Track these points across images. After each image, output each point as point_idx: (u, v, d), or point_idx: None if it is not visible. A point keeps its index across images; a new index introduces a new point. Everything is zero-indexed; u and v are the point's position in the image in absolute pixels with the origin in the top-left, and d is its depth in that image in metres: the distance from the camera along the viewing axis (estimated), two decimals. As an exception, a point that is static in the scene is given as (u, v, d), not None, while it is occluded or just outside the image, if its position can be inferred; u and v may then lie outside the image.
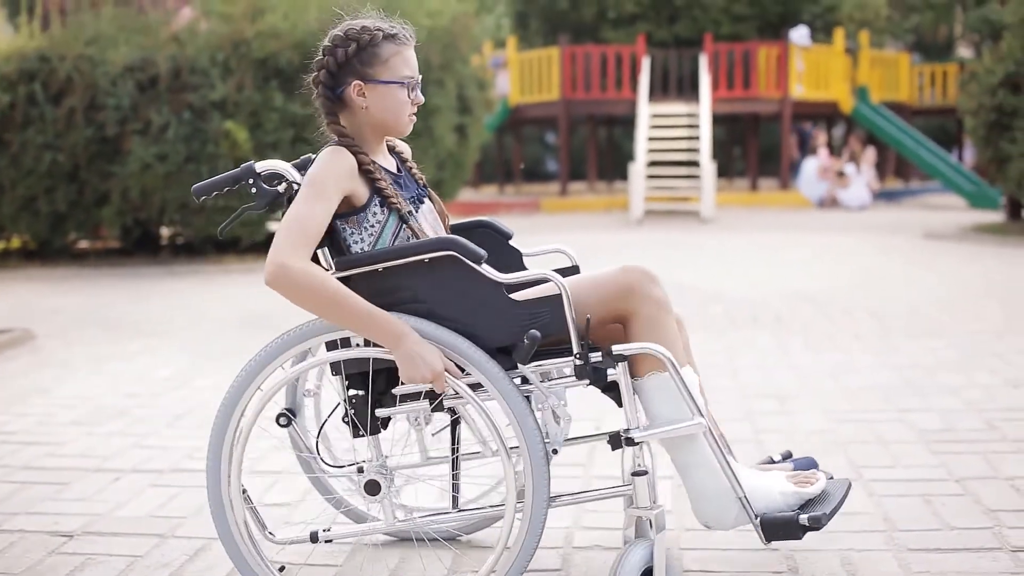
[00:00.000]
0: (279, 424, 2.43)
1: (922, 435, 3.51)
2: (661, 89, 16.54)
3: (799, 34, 17.12)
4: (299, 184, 2.30)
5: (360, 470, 2.31)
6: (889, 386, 4.22)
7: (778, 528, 2.26)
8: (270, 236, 9.76)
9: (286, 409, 2.45)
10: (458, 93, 10.22)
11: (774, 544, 2.39)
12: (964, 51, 25.46)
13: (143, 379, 4.70)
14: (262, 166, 2.35)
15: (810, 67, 16.71)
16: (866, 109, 17.16)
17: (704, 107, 15.18)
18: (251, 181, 2.32)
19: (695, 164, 14.73)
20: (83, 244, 10.12)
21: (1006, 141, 10.12)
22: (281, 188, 2.34)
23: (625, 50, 16.55)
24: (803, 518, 2.24)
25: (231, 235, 9.22)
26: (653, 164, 15.12)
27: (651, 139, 15.25)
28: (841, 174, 15.84)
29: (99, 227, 9.56)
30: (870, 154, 16.76)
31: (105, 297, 7.45)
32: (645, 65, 15.81)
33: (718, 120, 18.67)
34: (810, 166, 16.10)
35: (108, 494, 3.13)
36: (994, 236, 10.11)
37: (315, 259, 2.21)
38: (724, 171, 20.41)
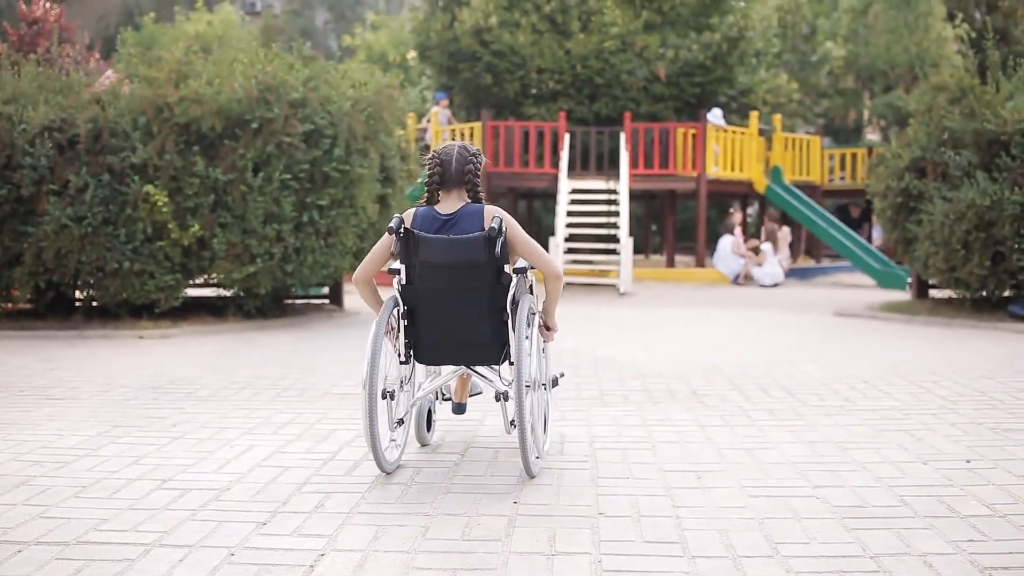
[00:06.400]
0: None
1: (836, 511, 3.56)
2: (581, 165, 16.81)
3: (713, 115, 17.62)
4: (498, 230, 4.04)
5: None
6: (803, 461, 4.28)
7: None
8: (186, 301, 9.62)
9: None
10: (381, 164, 10.25)
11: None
12: (872, 135, 26.41)
13: (49, 447, 4.55)
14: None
15: (726, 148, 17.14)
16: (779, 189, 17.62)
17: (623, 184, 15.46)
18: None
19: (613, 239, 14.96)
20: (-9, 305, 9.83)
21: (913, 223, 10.46)
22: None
23: (546, 126, 16.82)
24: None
25: (147, 300, 9.06)
26: (572, 238, 15.33)
27: (570, 213, 15.47)
28: (757, 251, 16.19)
29: (10, 288, 9.31)
30: (784, 233, 17.19)
31: (13, 360, 7.23)
32: (566, 141, 16.08)
33: (636, 197, 19.04)
34: (726, 243, 16.43)
35: (8, 568, 3.01)
36: (901, 315, 10.38)
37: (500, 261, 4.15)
38: (641, 246, 20.75)
